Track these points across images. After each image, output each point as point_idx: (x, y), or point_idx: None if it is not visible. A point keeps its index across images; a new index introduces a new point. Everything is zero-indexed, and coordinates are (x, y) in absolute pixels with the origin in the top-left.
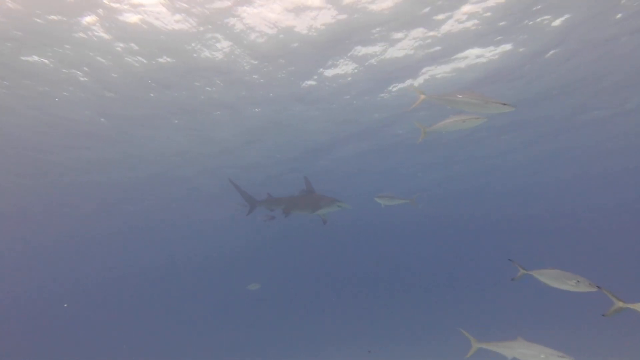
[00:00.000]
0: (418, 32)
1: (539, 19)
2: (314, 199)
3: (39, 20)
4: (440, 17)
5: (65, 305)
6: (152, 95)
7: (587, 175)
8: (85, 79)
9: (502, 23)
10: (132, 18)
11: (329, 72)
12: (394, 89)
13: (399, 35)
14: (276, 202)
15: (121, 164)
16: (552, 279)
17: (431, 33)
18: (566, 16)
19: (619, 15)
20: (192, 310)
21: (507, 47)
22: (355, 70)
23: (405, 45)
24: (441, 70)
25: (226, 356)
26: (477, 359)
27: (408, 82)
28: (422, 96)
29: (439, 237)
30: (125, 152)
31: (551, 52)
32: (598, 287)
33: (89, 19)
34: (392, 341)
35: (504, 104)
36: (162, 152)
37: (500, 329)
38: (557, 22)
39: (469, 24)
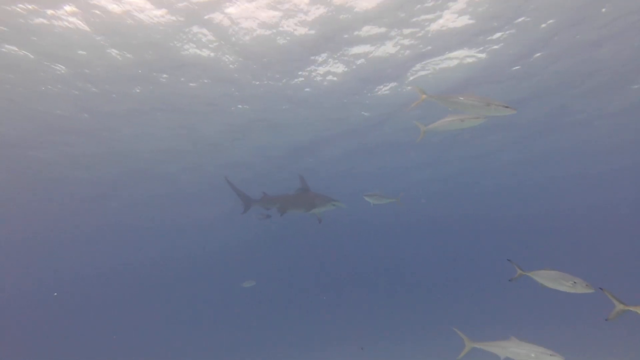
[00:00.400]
0: (408, 31)
1: (526, 22)
2: (309, 198)
3: (18, 9)
4: (430, 16)
5: (55, 294)
6: (137, 90)
7: (580, 175)
8: (67, 72)
9: (491, 24)
10: (115, 10)
11: (317, 71)
12: (384, 88)
13: (388, 34)
14: (271, 201)
15: (105, 160)
16: (549, 280)
17: (421, 33)
18: (550, 21)
19: (601, 22)
20: (187, 309)
21: (496, 47)
22: (345, 69)
23: (394, 44)
24: (430, 70)
25: (224, 356)
26: (472, 358)
27: (397, 81)
28: (424, 96)
29: (436, 236)
30: (109, 147)
31: (538, 54)
32: (601, 288)
33: (69, 8)
34: (389, 340)
35: (506, 107)
36: (146, 148)
37: (500, 328)
38: (543, 26)
39: (458, 24)
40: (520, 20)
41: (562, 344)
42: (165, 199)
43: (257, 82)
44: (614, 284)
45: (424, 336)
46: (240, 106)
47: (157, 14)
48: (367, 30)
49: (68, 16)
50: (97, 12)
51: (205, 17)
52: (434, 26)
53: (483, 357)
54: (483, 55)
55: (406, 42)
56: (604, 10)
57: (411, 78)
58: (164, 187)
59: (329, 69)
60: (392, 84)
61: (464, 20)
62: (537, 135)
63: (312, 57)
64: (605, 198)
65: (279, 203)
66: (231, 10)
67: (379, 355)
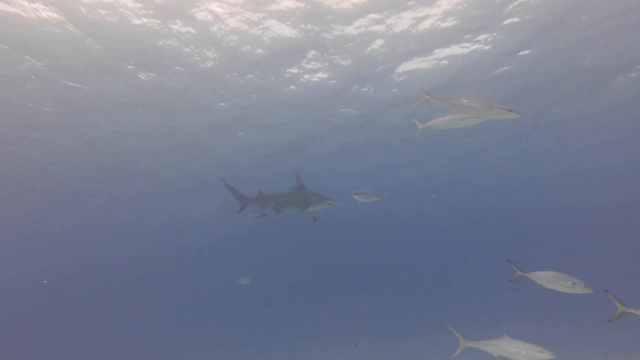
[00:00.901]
0: (396, 31)
1: (511, 22)
2: (304, 196)
3: None
4: (418, 15)
5: (45, 281)
6: (117, 85)
7: (573, 174)
8: (44, 65)
9: (477, 23)
10: (92, 1)
11: (304, 69)
12: (371, 86)
13: (376, 32)
14: (267, 199)
15: (85, 156)
16: (548, 280)
17: (408, 31)
18: (536, 25)
19: (581, 27)
20: (179, 307)
21: (482, 47)
22: (332, 68)
23: (382, 43)
24: (417, 68)
25: (217, 356)
26: (468, 357)
27: (385, 79)
28: (427, 96)
29: (435, 234)
30: (88, 143)
31: (524, 55)
32: (605, 290)
33: None
34: (385, 338)
35: (509, 110)
36: (127, 144)
37: (499, 327)
38: (529, 28)
39: (447, 24)
40: (506, 19)
41: (561, 342)
42: (150, 196)
43: (242, 81)
44: (605, 281)
45: (420, 334)
46: (224, 104)
47: (137, 7)
48: (355, 28)
49: (43, 7)
50: (73, 3)
51: (189, 12)
52: (422, 25)
53: (478, 356)
54: (470, 54)
55: (394, 40)
56: (583, 17)
57: (399, 80)
58: (149, 185)
59: (316, 67)
60: (380, 82)
61: (452, 20)
62: (525, 134)
63: (299, 56)
64: (598, 197)
65: (274, 202)
66: (215, 6)
67: (376, 353)
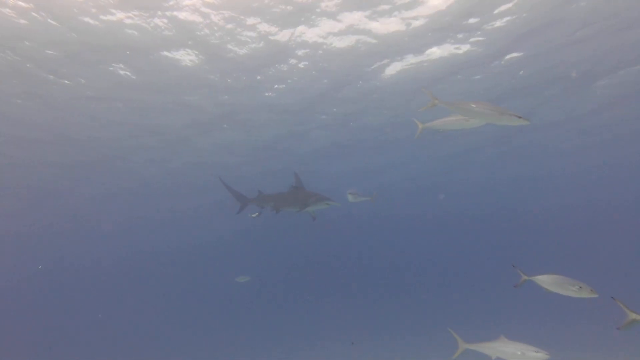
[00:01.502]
0: (384, 29)
1: (500, 23)
2: (303, 196)
3: None
4: (408, 15)
5: (40, 267)
6: (104, 79)
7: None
8: (16, 59)
9: (467, 25)
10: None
11: (294, 69)
12: (361, 85)
13: (365, 31)
14: (266, 199)
15: (64, 151)
16: (554, 284)
17: (399, 31)
18: (529, 27)
19: (568, 32)
20: (171, 307)
21: (470, 47)
22: (319, 67)
23: (371, 42)
24: (407, 68)
25: (216, 356)
26: (465, 358)
27: (375, 78)
28: (435, 100)
29: (435, 234)
30: (65, 138)
31: (511, 55)
32: (612, 298)
33: None
34: (385, 337)
35: (519, 117)
36: (108, 138)
37: (500, 328)
38: (521, 29)
39: (436, 23)
40: (495, 20)
41: (561, 342)
42: (137, 194)
43: (230, 79)
44: (604, 281)
45: (420, 334)
46: (210, 102)
47: (120, 1)
48: (345, 27)
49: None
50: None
51: (174, 9)
52: (413, 25)
53: (476, 357)
54: (460, 53)
55: (384, 40)
56: (570, 22)
57: (390, 80)
58: (133, 182)
59: (305, 67)
60: (370, 82)
61: (443, 21)
62: (517, 134)
63: (287, 55)
64: (596, 197)
65: (273, 201)
66: (201, 5)
67: (375, 352)
